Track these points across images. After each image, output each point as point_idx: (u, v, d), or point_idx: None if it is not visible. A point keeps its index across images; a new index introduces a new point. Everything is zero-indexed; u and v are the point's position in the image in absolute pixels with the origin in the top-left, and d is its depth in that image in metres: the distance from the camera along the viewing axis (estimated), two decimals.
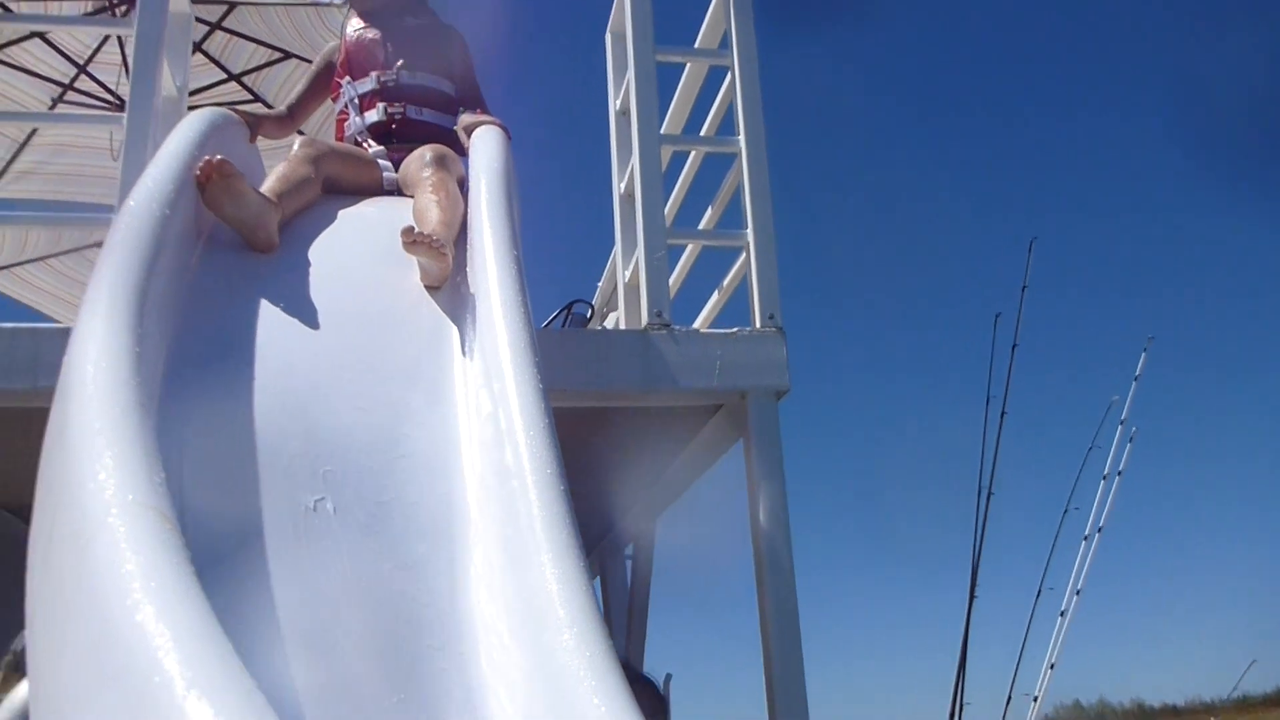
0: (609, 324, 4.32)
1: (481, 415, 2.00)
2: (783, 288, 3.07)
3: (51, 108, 5.53)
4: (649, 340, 2.89)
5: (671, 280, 3.65)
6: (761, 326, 2.97)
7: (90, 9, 5.15)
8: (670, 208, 3.67)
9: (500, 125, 2.80)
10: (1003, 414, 5.05)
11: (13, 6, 4.95)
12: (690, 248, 3.59)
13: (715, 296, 3.43)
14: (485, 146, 2.60)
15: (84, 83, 5.59)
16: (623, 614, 4.48)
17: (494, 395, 1.96)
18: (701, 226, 3.51)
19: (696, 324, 3.41)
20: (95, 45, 5.44)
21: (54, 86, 5.55)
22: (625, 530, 4.40)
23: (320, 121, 4.58)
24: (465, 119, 2.93)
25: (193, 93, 5.40)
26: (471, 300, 2.22)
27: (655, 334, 2.91)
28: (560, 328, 4.82)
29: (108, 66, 5.51)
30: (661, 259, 3.01)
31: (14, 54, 5.36)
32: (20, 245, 6.20)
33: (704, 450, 3.34)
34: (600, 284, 4.71)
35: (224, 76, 5.71)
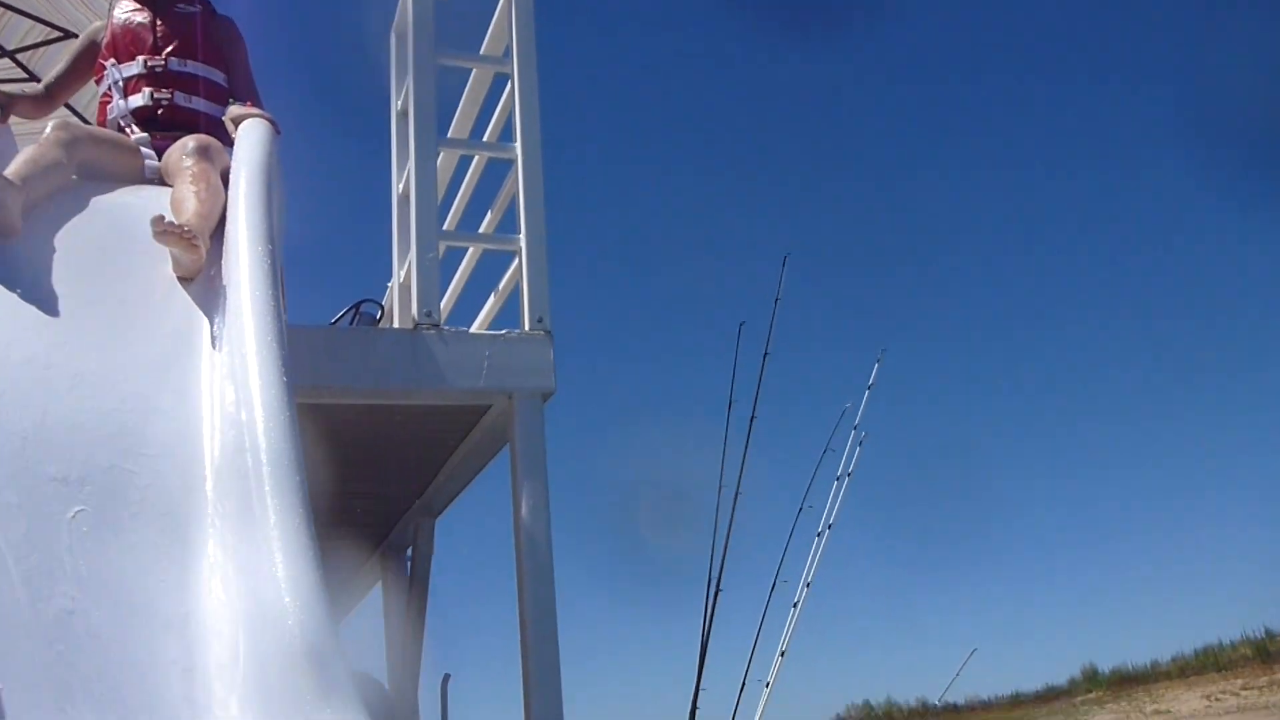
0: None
1: (225, 407, 2.00)
2: (556, 292, 3.16)
3: None
4: (418, 339, 2.93)
5: (451, 284, 3.70)
6: (530, 329, 3.04)
7: None
8: (454, 211, 3.71)
9: (268, 118, 2.79)
10: (752, 418, 5.34)
11: None
12: (471, 251, 3.64)
13: (491, 300, 3.49)
14: (249, 139, 2.59)
15: None
16: (402, 613, 4.48)
17: (237, 387, 1.97)
18: (481, 231, 3.56)
19: (473, 327, 3.46)
20: None
21: None
22: (405, 532, 4.40)
23: (87, 105, 4.42)
24: (233, 110, 2.90)
25: None
26: (223, 292, 2.21)
27: (424, 333, 2.94)
28: (349, 326, 4.79)
29: None
30: (433, 260, 3.05)
31: None
32: None
33: (475, 451, 3.39)
34: (389, 284, 4.71)
35: None
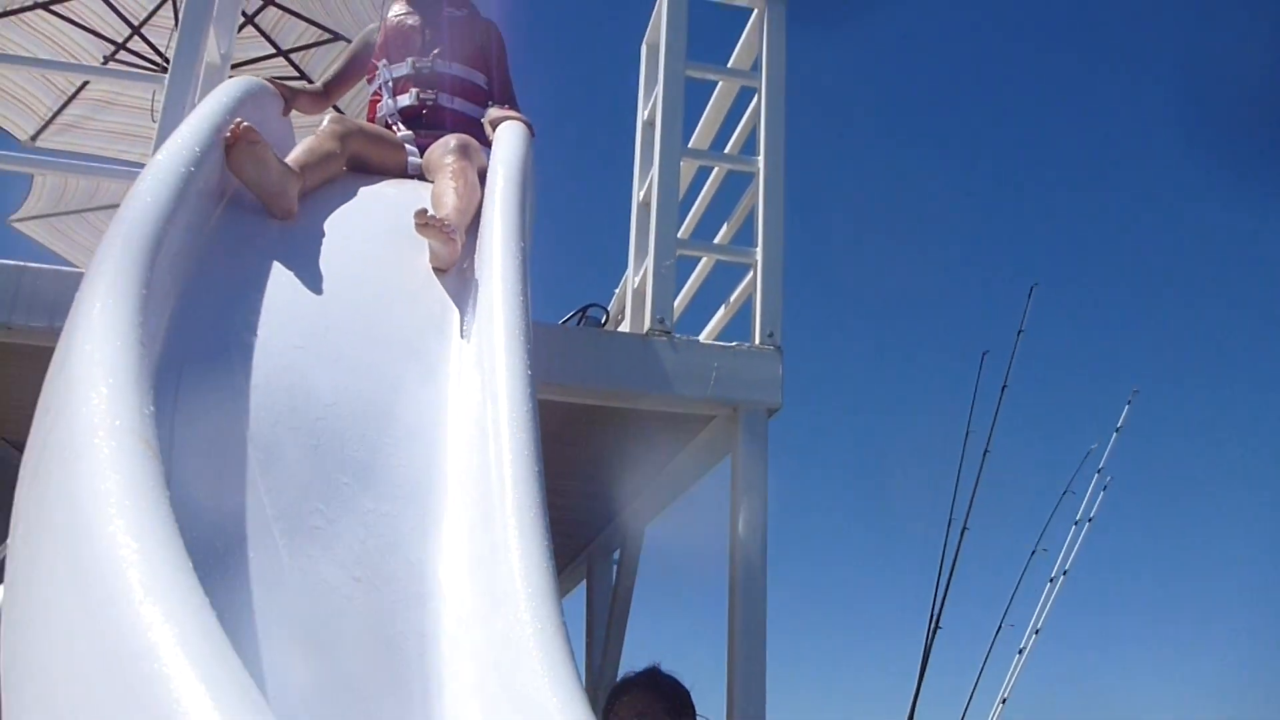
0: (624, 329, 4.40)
1: (470, 395, 2.07)
2: (787, 307, 3.14)
3: (103, 64, 5.66)
4: (649, 345, 2.96)
5: (682, 292, 3.73)
6: (760, 343, 3.03)
7: None
8: (689, 221, 3.75)
9: (525, 121, 2.88)
10: (985, 452, 5.14)
11: None
12: (704, 261, 3.66)
13: (721, 311, 3.49)
14: (507, 140, 2.68)
15: (137, 44, 5.73)
16: (605, 616, 4.54)
17: (484, 377, 2.03)
18: (716, 241, 3.58)
19: (701, 336, 3.48)
20: (151, 8, 5.57)
21: (107, 44, 5.69)
22: (614, 535, 4.46)
23: (352, 99, 4.69)
24: (492, 112, 3.01)
25: (241, 64, 5.54)
26: (475, 285, 2.30)
27: (655, 340, 2.97)
28: (576, 327, 4.90)
29: (161, 30, 5.64)
30: (669, 268, 3.08)
31: (72, 8, 5.50)
32: (58, 196, 6.34)
33: (694, 459, 3.40)
34: (618, 290, 4.79)
35: (272, 51, 5.83)
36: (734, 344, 3.03)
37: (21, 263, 2.69)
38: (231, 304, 2.09)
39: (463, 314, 2.30)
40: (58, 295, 2.56)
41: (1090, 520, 5.11)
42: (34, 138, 5.87)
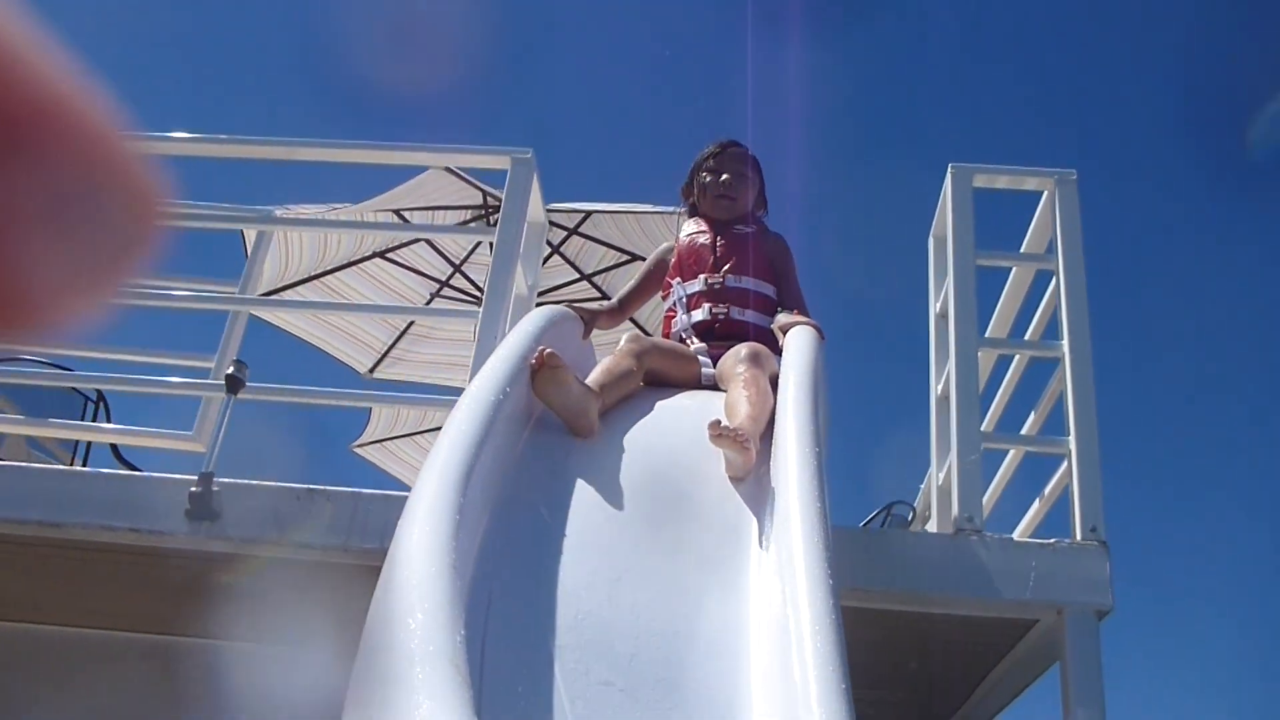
0: (930, 529, 4.23)
1: (772, 607, 2.03)
2: (1108, 499, 2.93)
3: (428, 301, 6.25)
4: (958, 545, 2.82)
5: (991, 486, 3.56)
6: (1082, 539, 2.82)
7: (468, 218, 5.84)
8: (992, 412, 3.61)
9: (814, 326, 2.90)
10: None
11: (407, 216, 5.70)
12: (1011, 454, 3.50)
13: (1036, 505, 3.30)
14: (796, 345, 2.70)
15: (458, 280, 6.30)
16: None
17: (784, 588, 1.98)
18: (1024, 432, 3.42)
19: (1015, 533, 3.29)
20: (469, 248, 6.14)
21: (432, 283, 6.29)
22: None
23: (650, 313, 4.90)
24: (781, 318, 3.05)
25: (547, 291, 5.96)
26: (772, 493, 2.28)
27: (965, 539, 2.83)
28: (880, 528, 4.76)
29: (478, 266, 6.19)
30: (974, 463, 2.95)
31: (402, 254, 6.15)
32: (391, 422, 6.94)
33: (1019, 668, 3.15)
34: (923, 486, 4.65)
35: (577, 276, 6.24)
36: (1053, 541, 2.84)
37: (357, 489, 2.94)
38: (538, 523, 2.17)
39: (760, 523, 2.28)
40: (387, 518, 2.75)
41: None
42: (371, 370, 6.50)
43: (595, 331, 3.26)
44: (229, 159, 3.88)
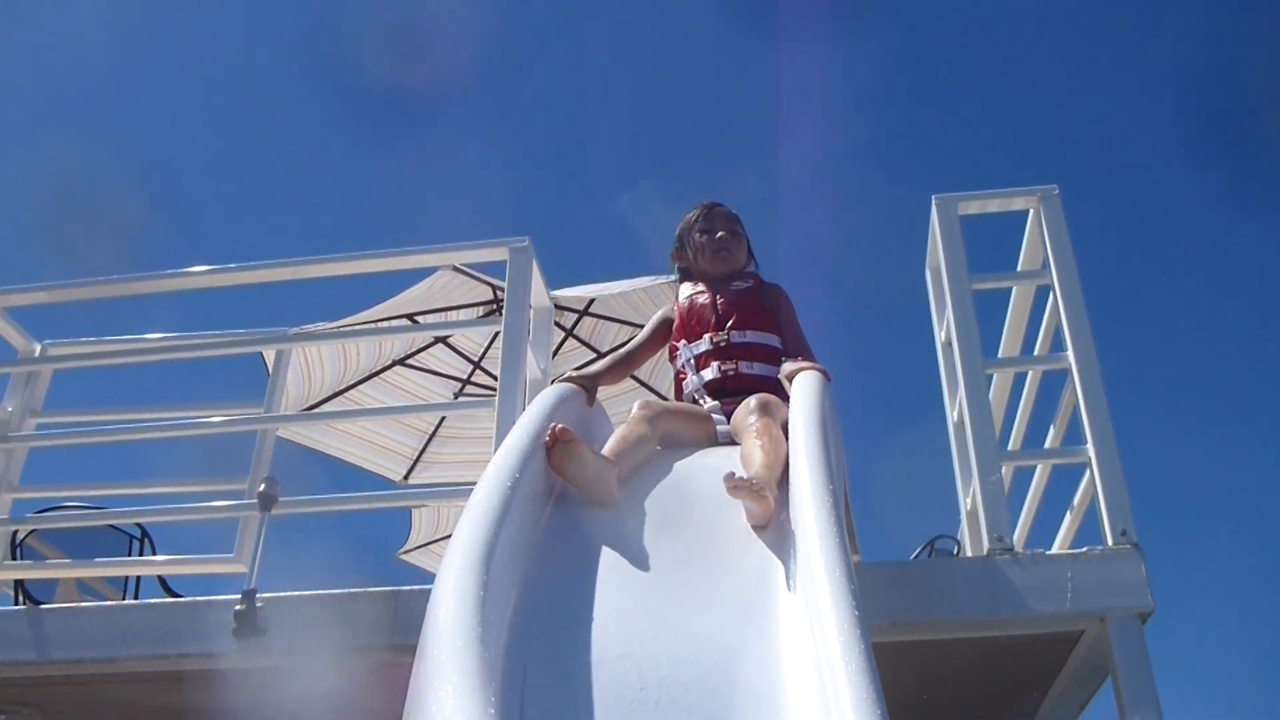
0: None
1: (806, 651, 2.05)
2: (1137, 500, 2.94)
3: (454, 399, 6.35)
4: (992, 566, 2.84)
5: (1025, 505, 3.57)
6: (1114, 544, 2.83)
7: (481, 314, 5.96)
8: (1016, 430, 3.63)
9: (819, 369, 2.95)
10: None
11: (420, 319, 5.82)
12: (1040, 469, 3.52)
13: (1068, 518, 3.31)
14: (801, 389, 2.75)
15: (479, 377, 6.40)
16: None
17: (813, 627, 2.01)
18: (1046, 446, 3.43)
19: (1054, 547, 3.29)
20: (486, 344, 6.24)
21: (455, 383, 6.39)
22: None
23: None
24: (786, 367, 3.10)
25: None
26: (793, 537, 2.32)
27: (998, 559, 2.84)
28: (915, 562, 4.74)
29: (499, 360, 6.28)
30: (996, 483, 2.97)
31: (423, 359, 6.26)
32: (434, 525, 7.00)
33: (1076, 682, 3.13)
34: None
35: (593, 356, 6.32)
36: (1085, 550, 2.85)
37: (395, 587, 3.00)
38: (567, 593, 2.21)
39: (786, 567, 2.31)
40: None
41: None
42: (405, 477, 6.58)
43: (604, 394, 3.30)
44: (243, 286, 4.02)
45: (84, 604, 3.67)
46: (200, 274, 3.90)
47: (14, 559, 3.91)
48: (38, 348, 4.01)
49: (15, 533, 3.92)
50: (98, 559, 4.09)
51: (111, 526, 4.15)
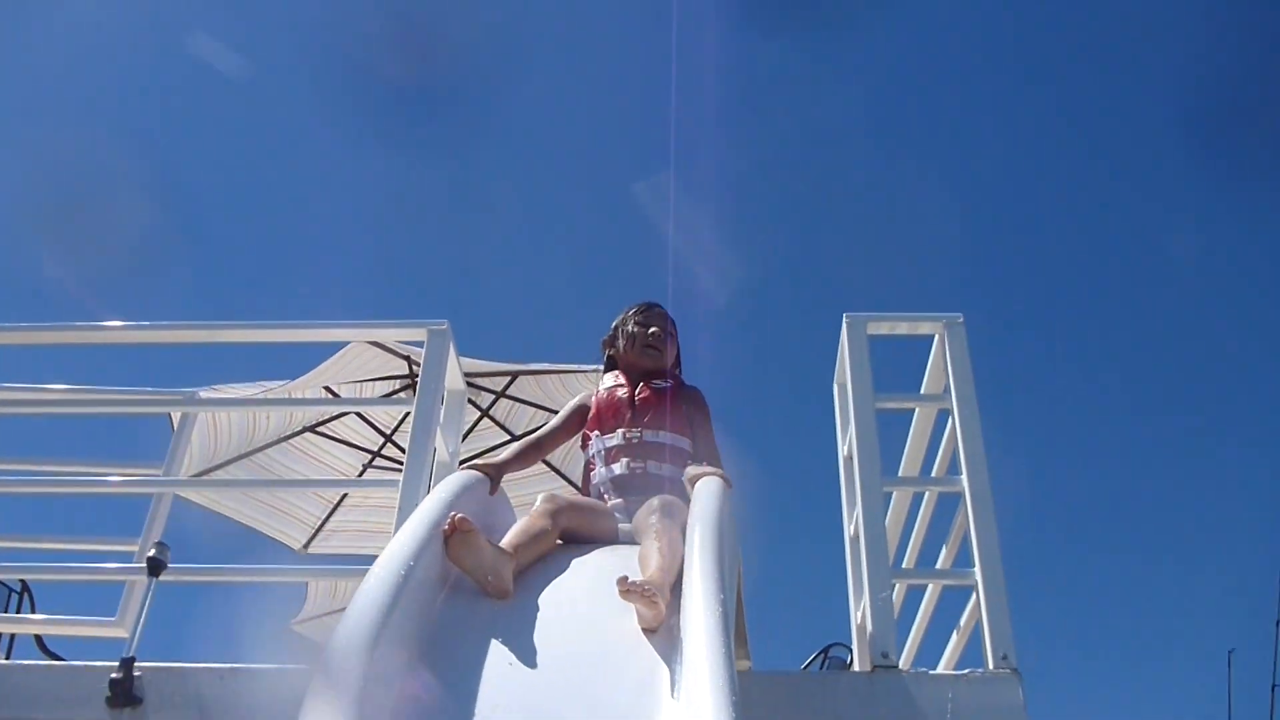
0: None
1: None
2: (1023, 627, 3.02)
3: (361, 473, 6.29)
4: (874, 682, 2.88)
5: (915, 624, 3.64)
6: (995, 668, 2.90)
7: (396, 388, 5.95)
8: (911, 548, 3.71)
9: (720, 475, 3.00)
10: None
11: (336, 389, 5.79)
12: (932, 589, 3.59)
13: (954, 638, 3.38)
14: (702, 495, 2.80)
15: (390, 450, 6.36)
16: None
17: None
18: (939, 566, 3.51)
19: (939, 667, 3.35)
20: (399, 418, 6.22)
21: (365, 454, 6.34)
22: None
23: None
24: (690, 470, 3.15)
25: (481, 453, 6.02)
26: (680, 643, 2.34)
27: (882, 676, 2.89)
28: (819, 671, 4.79)
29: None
30: (885, 600, 3.04)
31: (334, 428, 6.21)
32: (330, 596, 6.87)
33: None
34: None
35: (507, 438, 6.33)
36: (966, 671, 2.91)
37: (282, 665, 2.95)
38: (455, 683, 2.21)
39: (672, 673, 2.33)
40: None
41: None
42: (305, 546, 6.47)
43: (512, 479, 3.32)
44: (156, 345, 3.98)
45: None
46: (115, 329, 3.85)
47: None
48: None
49: None
50: None
51: None
